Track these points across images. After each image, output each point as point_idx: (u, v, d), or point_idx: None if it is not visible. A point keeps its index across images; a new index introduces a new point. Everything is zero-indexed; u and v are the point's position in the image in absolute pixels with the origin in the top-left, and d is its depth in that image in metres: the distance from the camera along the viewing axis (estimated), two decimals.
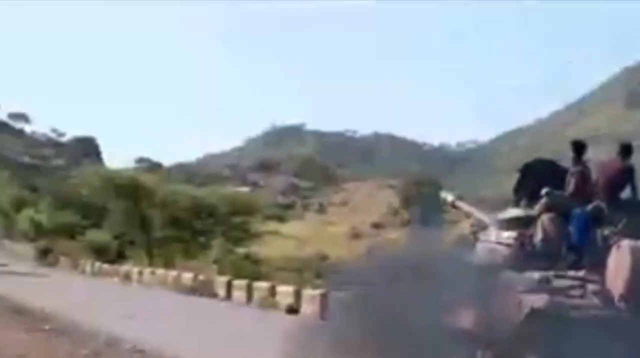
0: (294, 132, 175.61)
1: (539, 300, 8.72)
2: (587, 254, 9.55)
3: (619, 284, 8.76)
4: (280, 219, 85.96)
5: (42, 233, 47.28)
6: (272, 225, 65.40)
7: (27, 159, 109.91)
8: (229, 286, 24.84)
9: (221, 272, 30.85)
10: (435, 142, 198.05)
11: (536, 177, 10.88)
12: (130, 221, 44.20)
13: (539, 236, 10.01)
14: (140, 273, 32.05)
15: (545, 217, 10.10)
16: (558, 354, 8.43)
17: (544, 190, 10.22)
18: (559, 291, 8.89)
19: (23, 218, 50.74)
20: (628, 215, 9.72)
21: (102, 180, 45.36)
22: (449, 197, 12.10)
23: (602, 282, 8.88)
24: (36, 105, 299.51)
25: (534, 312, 8.61)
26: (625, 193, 10.04)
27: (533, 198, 10.41)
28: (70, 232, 46.26)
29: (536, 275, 9.08)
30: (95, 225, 45.52)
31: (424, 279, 8.59)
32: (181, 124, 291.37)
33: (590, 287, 8.90)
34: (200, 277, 27.10)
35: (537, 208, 10.22)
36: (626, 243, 8.98)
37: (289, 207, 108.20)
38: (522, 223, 10.33)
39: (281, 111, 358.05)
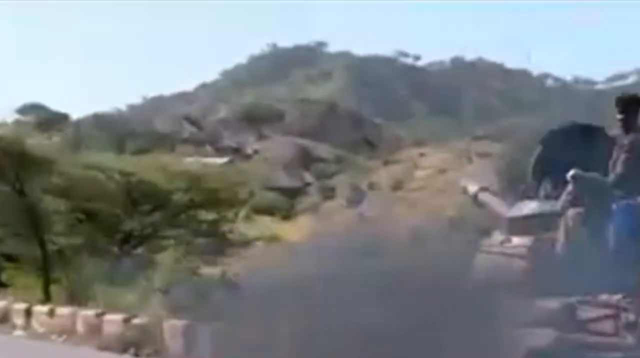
0: (308, 57, 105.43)
1: (541, 337, 7.31)
2: (634, 270, 7.53)
3: None
4: (283, 215, 50.65)
5: None
6: (268, 226, 40.52)
7: None
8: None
9: (174, 309, 19.44)
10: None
11: (565, 151, 8.53)
12: (10, 220, 27.38)
13: (561, 243, 8.06)
14: (28, 313, 21.78)
15: (571, 214, 8.08)
16: None
17: (570, 173, 8.16)
18: (581, 324, 7.39)
19: None
20: None
21: None
22: (471, 187, 9.98)
23: None
24: None
25: (530, 354, 7.22)
26: None
27: (558, 184, 8.39)
28: None
29: (554, 301, 7.51)
30: None
31: None
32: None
33: (629, 317, 7.31)
34: (137, 321, 18.44)
35: (562, 200, 8.29)
36: None
37: (297, 192, 56.37)
38: (541, 224, 8.40)
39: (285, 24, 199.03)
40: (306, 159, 62.31)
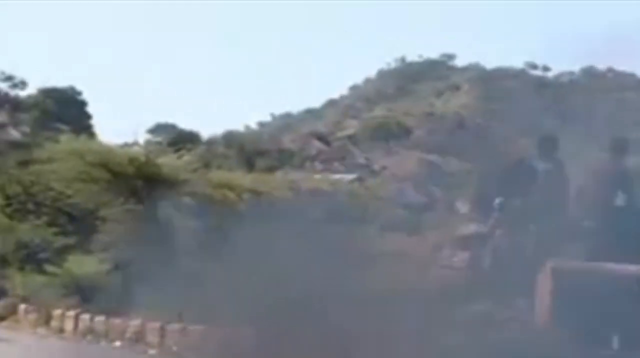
0: (437, 71, 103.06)
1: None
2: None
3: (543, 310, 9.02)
4: (410, 230, 38.39)
5: None
6: (395, 241, 39.28)
7: None
8: None
9: None
10: None
11: (494, 183, 10.24)
12: (141, 240, 26.65)
13: (487, 259, 9.69)
14: (162, 332, 22.30)
15: (497, 234, 9.83)
16: None
17: (496, 201, 9.93)
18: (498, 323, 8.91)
19: None
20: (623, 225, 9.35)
21: (97, 163, 28.23)
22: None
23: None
24: None
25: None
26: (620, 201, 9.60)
27: (489, 211, 10.03)
28: (33, 259, 28.48)
29: (480, 305, 9.11)
30: (80, 244, 27.80)
31: None
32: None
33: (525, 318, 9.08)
34: None
35: (489, 223, 10.01)
36: (550, 264, 9.22)
37: (425, 208, 50.38)
38: (478, 242, 10.03)
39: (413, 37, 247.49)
40: (434, 174, 59.89)
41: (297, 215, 29.50)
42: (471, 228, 10.79)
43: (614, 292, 9.59)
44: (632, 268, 9.99)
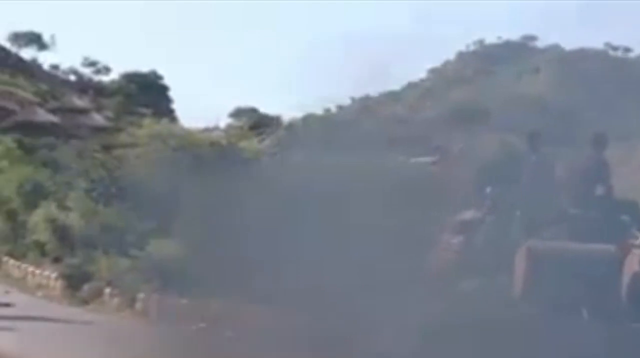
0: (517, 53, 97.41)
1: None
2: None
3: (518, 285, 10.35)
4: None
5: (68, 246, 29.62)
6: None
7: (42, 114, 67.09)
8: None
9: None
10: None
11: (491, 174, 12.37)
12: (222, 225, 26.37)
13: (478, 242, 10.95)
14: None
15: (488, 220, 11.11)
16: None
17: (487, 189, 11.35)
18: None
19: (38, 221, 31.88)
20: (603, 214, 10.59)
21: (179, 147, 28.16)
22: None
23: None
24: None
25: None
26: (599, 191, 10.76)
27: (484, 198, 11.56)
28: (119, 243, 28.45)
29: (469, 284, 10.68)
30: (162, 228, 27.49)
31: None
32: None
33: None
34: None
35: (482, 210, 11.37)
36: (525, 245, 10.55)
37: None
38: (472, 227, 11.32)
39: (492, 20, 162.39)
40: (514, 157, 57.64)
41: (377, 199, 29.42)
42: (468, 214, 12.19)
43: (582, 269, 11.06)
44: (597, 247, 11.39)
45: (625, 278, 10.93)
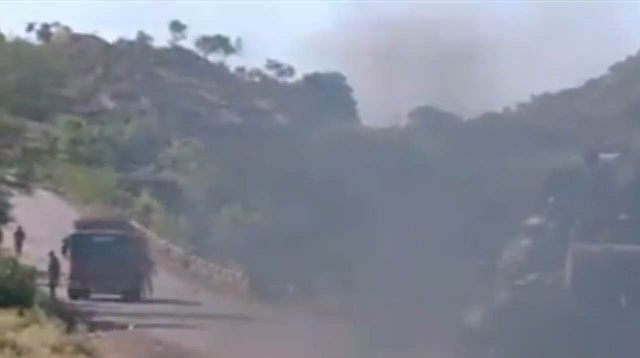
0: None
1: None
2: None
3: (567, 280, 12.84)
4: None
5: (254, 246, 30.06)
6: None
7: (227, 116, 70.42)
8: None
9: None
10: None
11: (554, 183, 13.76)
12: None
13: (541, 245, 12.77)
14: None
15: (550, 227, 12.82)
16: None
17: (550, 199, 13.02)
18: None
19: (225, 222, 32.51)
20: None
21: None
22: None
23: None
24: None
25: None
26: None
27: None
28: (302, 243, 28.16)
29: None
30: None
31: None
32: None
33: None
34: None
35: (545, 218, 12.93)
36: (573, 247, 12.75)
37: None
38: (538, 232, 13.32)
39: None
40: None
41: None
42: (534, 220, 14.26)
43: (620, 267, 13.61)
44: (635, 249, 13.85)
45: None
